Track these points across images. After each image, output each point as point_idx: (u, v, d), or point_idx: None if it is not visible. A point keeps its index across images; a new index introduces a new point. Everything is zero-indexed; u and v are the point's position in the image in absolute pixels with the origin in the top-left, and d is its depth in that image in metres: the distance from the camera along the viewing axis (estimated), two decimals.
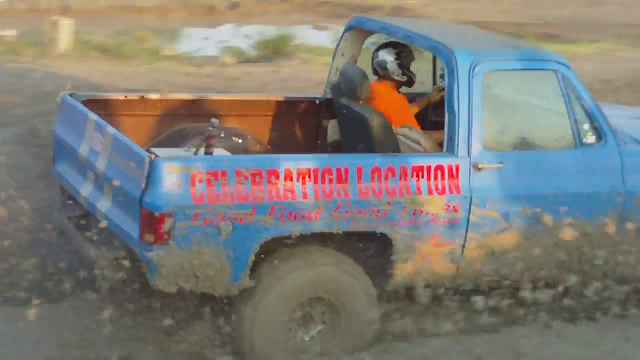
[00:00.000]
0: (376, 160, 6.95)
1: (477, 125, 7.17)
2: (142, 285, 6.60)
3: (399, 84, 8.29)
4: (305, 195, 6.57)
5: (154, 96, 8.58)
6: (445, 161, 7.07)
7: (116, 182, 6.61)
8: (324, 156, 7.53)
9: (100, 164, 6.99)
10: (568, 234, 7.26)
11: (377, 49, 8.35)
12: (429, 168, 6.96)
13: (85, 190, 7.32)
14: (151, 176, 6.18)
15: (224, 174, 6.38)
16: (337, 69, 8.68)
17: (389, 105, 8.03)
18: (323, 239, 6.77)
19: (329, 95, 8.76)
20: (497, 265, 7.29)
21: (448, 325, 7.24)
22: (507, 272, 7.31)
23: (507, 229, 7.27)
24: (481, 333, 7.32)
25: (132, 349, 6.75)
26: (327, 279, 6.79)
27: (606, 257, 7.40)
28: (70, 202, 7.74)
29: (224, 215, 6.32)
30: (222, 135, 7.70)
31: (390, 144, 7.69)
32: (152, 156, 6.28)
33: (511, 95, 7.88)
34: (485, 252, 7.24)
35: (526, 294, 7.31)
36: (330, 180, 6.63)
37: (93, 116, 7.31)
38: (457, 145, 7.11)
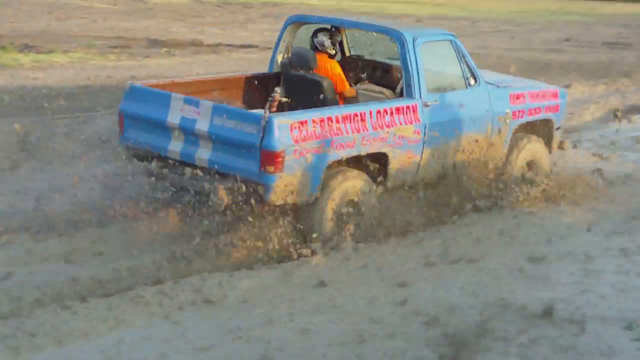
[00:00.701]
0: (377, 105, 10.76)
1: (422, 77, 11.06)
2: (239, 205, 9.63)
3: (330, 56, 11.79)
4: (347, 132, 10.08)
5: (187, 79, 12.46)
6: (410, 102, 10.86)
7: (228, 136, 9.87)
8: (352, 106, 10.88)
9: (201, 126, 10.01)
10: (469, 141, 11.55)
11: (315, 33, 11.96)
12: (403, 108, 10.76)
13: (175, 146, 10.33)
14: (267, 128, 9.38)
15: (304, 122, 9.75)
16: (282, 52, 12.32)
17: (330, 70, 11.52)
18: (350, 161, 10.32)
19: (277, 70, 12.22)
20: (437, 165, 11.30)
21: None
22: (441, 169, 11.40)
23: (442, 142, 11.24)
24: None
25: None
26: (357, 187, 10.32)
27: (485, 153, 11.81)
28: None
29: (308, 149, 9.70)
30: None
31: (334, 97, 11.42)
32: (267, 115, 9.44)
33: (433, 58, 11.38)
34: (431, 158, 11.17)
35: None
36: (357, 121, 10.28)
37: (178, 95, 10.49)
38: (414, 91, 10.94)
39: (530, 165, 12.66)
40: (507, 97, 12.31)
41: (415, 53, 11.08)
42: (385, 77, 12.43)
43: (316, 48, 11.75)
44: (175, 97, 10.41)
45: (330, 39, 11.75)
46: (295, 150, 9.59)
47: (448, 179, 11.49)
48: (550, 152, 13.03)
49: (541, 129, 12.96)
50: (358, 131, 10.22)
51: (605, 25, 38.81)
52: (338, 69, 11.64)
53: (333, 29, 12.13)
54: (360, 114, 10.37)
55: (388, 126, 10.56)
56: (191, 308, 8.10)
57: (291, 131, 9.59)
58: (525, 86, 13.14)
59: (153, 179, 10.67)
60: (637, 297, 8.63)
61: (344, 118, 10.13)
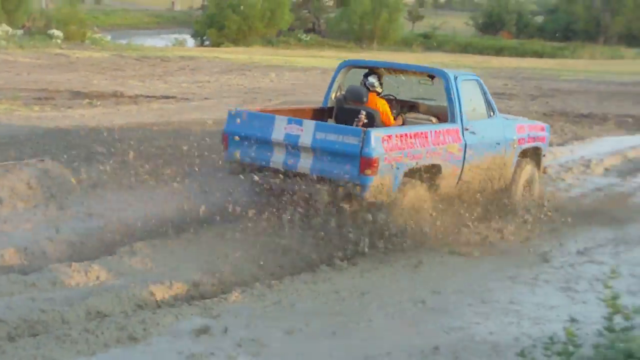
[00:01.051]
0: (435, 127, 12.70)
1: (463, 107, 12.86)
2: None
3: (378, 94, 13.33)
4: (417, 146, 11.77)
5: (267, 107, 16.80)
6: (454, 126, 12.66)
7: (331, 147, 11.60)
8: (420, 126, 12.70)
9: (304, 140, 11.67)
10: (492, 159, 13.25)
11: (366, 75, 13.57)
12: (451, 130, 12.57)
13: (278, 158, 12.03)
14: (365, 140, 11.06)
15: (391, 136, 11.45)
16: (336, 91, 14.29)
17: (380, 106, 12.92)
18: (414, 171, 11.83)
19: (331, 105, 13.96)
20: (474, 178, 12.92)
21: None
22: (477, 182, 13.02)
23: (476, 159, 12.89)
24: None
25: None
26: (420, 192, 11.95)
27: (501, 171, 13.61)
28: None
29: (394, 157, 11.35)
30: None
31: (382, 127, 12.75)
32: (364, 130, 11.22)
33: (467, 93, 13.19)
34: (468, 172, 12.77)
35: None
36: (423, 138, 12.00)
37: (282, 117, 12.24)
38: (457, 118, 12.70)
39: (527, 182, 14.70)
40: (515, 127, 14.40)
41: (457, 88, 13.04)
42: (416, 110, 14.50)
43: (367, 87, 13.29)
44: (279, 118, 12.22)
45: (378, 80, 13.47)
46: (386, 158, 11.30)
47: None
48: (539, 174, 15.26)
49: (533, 155, 14.96)
50: (424, 146, 11.99)
51: (493, 77, 39.46)
52: (386, 106, 13.18)
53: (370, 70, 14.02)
54: (425, 132, 12.16)
55: (442, 143, 12.33)
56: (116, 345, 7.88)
57: (382, 142, 11.31)
58: (523, 120, 15.93)
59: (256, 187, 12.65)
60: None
61: (415, 135, 11.93)
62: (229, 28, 63.26)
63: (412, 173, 11.92)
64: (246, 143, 12.30)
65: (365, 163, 11.31)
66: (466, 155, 12.75)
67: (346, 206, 11.44)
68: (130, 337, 7.95)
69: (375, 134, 11.35)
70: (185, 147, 14.01)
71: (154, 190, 12.58)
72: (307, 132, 11.91)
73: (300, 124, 12.04)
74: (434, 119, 13.75)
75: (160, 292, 9.10)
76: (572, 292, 9.88)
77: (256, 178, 12.38)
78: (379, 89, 13.52)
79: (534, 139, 14.91)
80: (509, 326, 8.77)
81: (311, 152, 11.84)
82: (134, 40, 58.11)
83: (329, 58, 49.90)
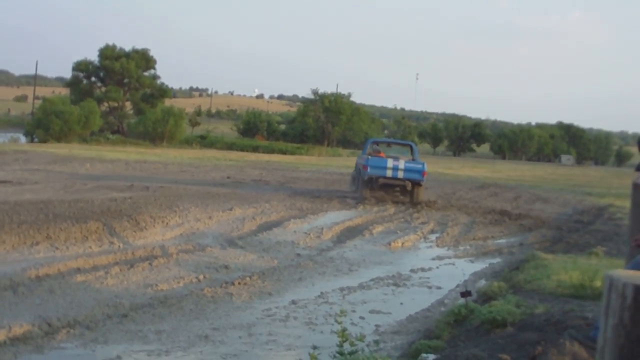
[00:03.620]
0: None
1: (416, 155, 26.42)
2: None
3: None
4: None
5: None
6: (420, 164, 24.03)
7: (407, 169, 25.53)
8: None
9: (401, 165, 25.35)
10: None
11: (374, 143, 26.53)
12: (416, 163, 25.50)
13: (388, 173, 25.28)
14: (421, 165, 25.47)
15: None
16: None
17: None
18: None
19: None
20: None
21: None
22: None
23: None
24: None
25: None
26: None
27: None
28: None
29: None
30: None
31: None
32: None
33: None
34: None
35: None
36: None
37: (390, 160, 26.09)
38: (416, 159, 24.83)
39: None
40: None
41: (414, 148, 26.68)
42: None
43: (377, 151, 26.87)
44: (389, 160, 25.80)
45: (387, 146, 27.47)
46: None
47: None
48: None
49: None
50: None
51: (252, 168, 39.99)
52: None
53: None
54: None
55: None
56: None
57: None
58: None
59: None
60: None
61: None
62: (53, 129, 61.77)
63: None
64: (375, 168, 25.38)
65: (423, 174, 25.29)
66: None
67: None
68: None
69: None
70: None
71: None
72: (401, 163, 25.53)
73: (398, 160, 26.05)
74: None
75: None
76: (313, 326, 9.94)
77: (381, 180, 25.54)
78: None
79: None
80: (269, 352, 8.72)
81: (404, 170, 25.36)
82: None
83: (130, 152, 49.20)
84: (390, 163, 25.42)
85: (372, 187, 25.71)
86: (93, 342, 8.51)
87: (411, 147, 29.68)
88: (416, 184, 25.69)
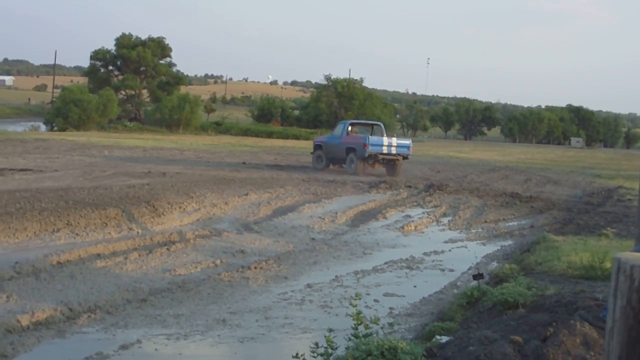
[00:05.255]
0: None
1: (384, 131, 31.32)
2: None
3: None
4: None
5: None
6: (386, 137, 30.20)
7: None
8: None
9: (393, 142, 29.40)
10: None
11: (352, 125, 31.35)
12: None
13: (385, 150, 28.96)
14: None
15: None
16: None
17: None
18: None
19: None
20: None
21: None
22: None
23: None
24: None
25: None
26: None
27: None
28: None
29: None
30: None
31: None
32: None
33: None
34: None
35: None
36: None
37: (384, 138, 29.92)
38: (385, 134, 29.95)
39: None
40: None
41: (382, 127, 31.18)
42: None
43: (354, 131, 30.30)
44: (384, 138, 29.63)
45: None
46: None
47: None
48: None
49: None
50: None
51: (266, 153, 39.98)
52: None
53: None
54: None
55: None
56: None
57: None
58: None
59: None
60: None
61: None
62: (72, 117, 61.90)
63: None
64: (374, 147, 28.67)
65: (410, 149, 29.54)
66: None
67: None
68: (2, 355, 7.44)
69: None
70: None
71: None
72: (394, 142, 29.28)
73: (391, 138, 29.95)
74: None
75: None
76: (328, 309, 9.97)
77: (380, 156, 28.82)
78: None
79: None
80: (285, 335, 8.75)
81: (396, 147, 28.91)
82: None
83: (147, 139, 49.26)
84: (386, 141, 29.46)
85: (367, 162, 29.28)
86: (113, 326, 8.57)
87: (381, 126, 33.27)
88: (405, 157, 29.95)
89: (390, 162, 29.86)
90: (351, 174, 28.81)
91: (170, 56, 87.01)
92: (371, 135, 31.47)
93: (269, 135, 70.37)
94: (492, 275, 11.34)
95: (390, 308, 10.13)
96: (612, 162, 58.72)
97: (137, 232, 14.10)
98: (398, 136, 33.17)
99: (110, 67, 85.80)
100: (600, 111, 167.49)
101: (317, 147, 32.34)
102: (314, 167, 31.51)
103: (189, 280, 10.89)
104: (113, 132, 59.87)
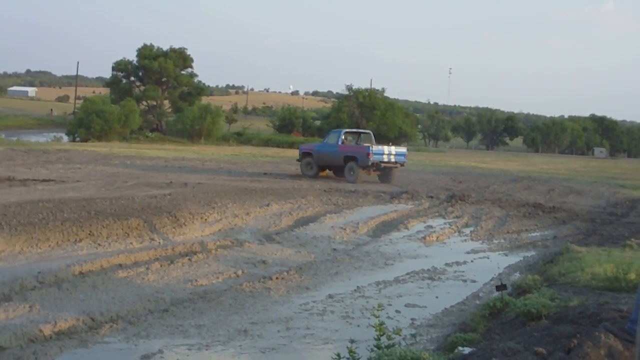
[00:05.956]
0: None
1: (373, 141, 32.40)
2: None
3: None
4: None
5: None
6: (364, 148, 30.36)
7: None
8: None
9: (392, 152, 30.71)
10: None
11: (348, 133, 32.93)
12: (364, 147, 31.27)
13: (385, 158, 30.34)
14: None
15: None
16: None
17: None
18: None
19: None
20: None
21: None
22: None
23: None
24: None
25: None
26: None
27: None
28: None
29: None
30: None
31: None
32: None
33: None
34: None
35: None
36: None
37: (385, 147, 31.44)
38: (371, 144, 30.99)
39: None
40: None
41: (371, 135, 32.90)
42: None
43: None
44: (385, 147, 30.85)
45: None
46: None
47: None
48: None
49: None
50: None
51: (288, 164, 39.98)
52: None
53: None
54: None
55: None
56: None
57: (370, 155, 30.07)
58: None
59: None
60: None
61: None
62: (94, 128, 62.45)
63: None
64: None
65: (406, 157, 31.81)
66: None
67: None
68: None
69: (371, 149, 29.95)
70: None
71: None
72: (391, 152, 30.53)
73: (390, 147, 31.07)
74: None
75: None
76: (350, 319, 9.95)
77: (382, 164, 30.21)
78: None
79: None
80: (307, 346, 8.74)
81: (394, 155, 30.26)
82: (22, 138, 56.42)
83: (169, 150, 49.56)
84: (386, 150, 31.06)
85: (367, 170, 30.80)
86: (135, 336, 8.61)
87: (370, 134, 35.03)
88: (401, 164, 31.85)
89: (387, 170, 31.39)
90: (351, 182, 30.12)
91: (191, 67, 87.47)
92: (357, 143, 33.52)
93: (291, 145, 70.48)
94: (514, 286, 11.28)
95: (412, 319, 10.09)
96: (636, 172, 58.24)
97: (159, 243, 14.15)
98: (396, 145, 35.25)
99: (132, 78, 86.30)
100: (625, 121, 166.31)
101: (306, 154, 33.14)
102: (303, 174, 32.51)
103: (210, 290, 10.92)
104: (135, 143, 60.30)
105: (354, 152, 31.09)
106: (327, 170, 33.09)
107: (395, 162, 31.28)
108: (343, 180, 30.73)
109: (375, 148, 30.74)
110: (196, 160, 39.50)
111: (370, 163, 30.20)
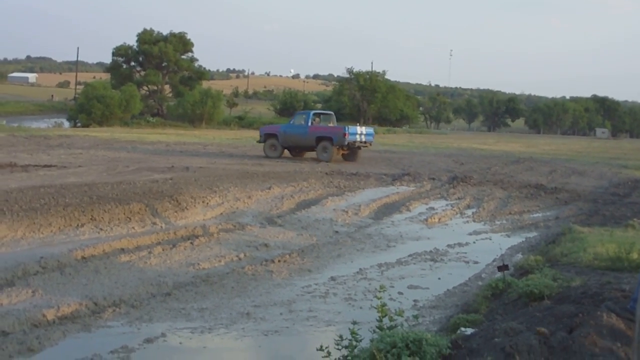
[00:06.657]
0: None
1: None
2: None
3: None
4: None
5: None
6: (340, 127, 32.51)
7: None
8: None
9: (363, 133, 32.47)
10: None
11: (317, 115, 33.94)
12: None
13: (358, 138, 31.86)
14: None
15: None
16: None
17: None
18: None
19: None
20: None
21: None
22: None
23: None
24: None
25: None
26: None
27: None
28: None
29: None
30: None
31: None
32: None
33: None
34: None
35: None
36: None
37: (357, 127, 33.51)
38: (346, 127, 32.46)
39: None
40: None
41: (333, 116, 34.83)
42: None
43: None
44: (357, 127, 33.06)
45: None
46: None
47: None
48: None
49: None
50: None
51: None
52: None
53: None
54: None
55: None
56: None
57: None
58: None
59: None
60: None
61: None
62: (95, 113, 62.39)
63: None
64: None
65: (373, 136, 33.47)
66: None
67: None
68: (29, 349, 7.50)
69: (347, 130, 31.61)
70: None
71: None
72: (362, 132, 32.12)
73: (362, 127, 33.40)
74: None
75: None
76: (352, 302, 9.96)
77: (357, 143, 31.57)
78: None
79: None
80: (309, 328, 8.76)
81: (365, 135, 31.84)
82: (23, 124, 56.40)
83: (170, 134, 49.53)
84: (359, 130, 32.86)
85: (340, 148, 32.20)
86: (138, 320, 8.63)
87: (332, 115, 36.48)
88: (370, 144, 33.48)
89: (354, 149, 32.74)
90: (326, 161, 31.48)
91: (192, 51, 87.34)
92: (320, 124, 34.45)
93: None
94: (517, 267, 11.29)
95: (414, 300, 10.11)
96: (638, 152, 58.16)
97: (161, 227, 14.17)
98: (367, 126, 37.44)
99: (133, 63, 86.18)
100: (626, 101, 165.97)
101: (270, 135, 33.77)
102: (266, 156, 33.00)
103: (212, 274, 10.93)
104: (136, 128, 60.25)
105: (329, 133, 32.40)
106: (286, 150, 33.93)
107: (365, 142, 32.85)
108: (319, 160, 31.61)
109: (351, 128, 32.50)
110: (197, 145, 39.46)
111: (346, 143, 31.65)
